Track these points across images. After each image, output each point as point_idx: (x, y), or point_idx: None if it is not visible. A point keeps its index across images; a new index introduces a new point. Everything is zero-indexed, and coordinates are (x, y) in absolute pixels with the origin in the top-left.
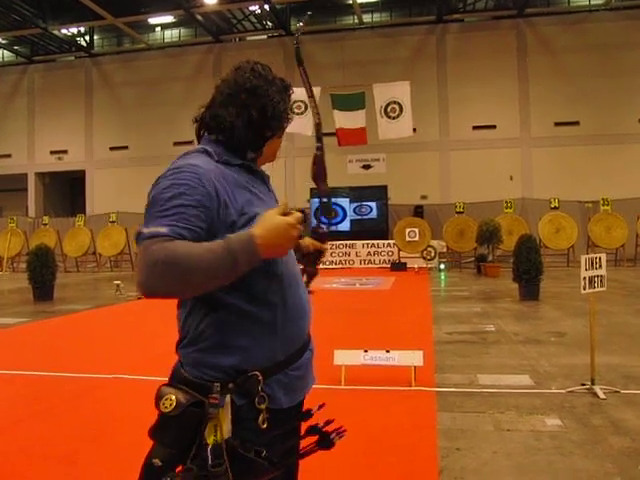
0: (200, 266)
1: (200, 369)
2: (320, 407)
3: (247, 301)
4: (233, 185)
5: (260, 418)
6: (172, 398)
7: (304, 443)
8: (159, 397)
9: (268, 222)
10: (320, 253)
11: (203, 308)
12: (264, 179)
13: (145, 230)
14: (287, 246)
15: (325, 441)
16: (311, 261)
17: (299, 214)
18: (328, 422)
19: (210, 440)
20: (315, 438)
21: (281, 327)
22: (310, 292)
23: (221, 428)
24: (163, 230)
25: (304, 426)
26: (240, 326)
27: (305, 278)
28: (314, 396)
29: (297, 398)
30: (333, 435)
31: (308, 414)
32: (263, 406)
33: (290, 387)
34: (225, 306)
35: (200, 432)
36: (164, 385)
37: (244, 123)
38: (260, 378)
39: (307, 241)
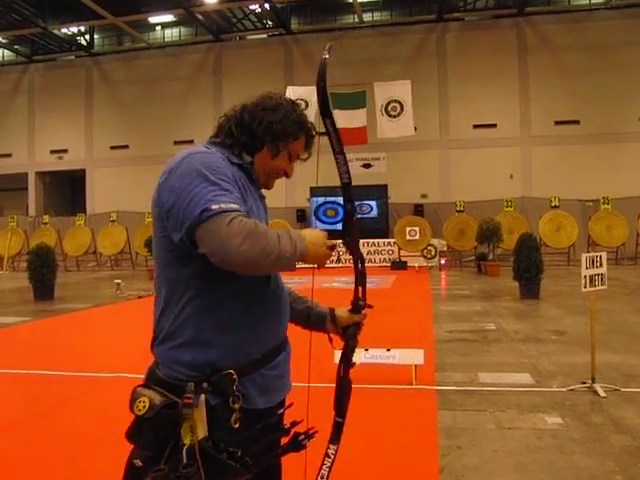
0: (278, 246)
1: (174, 368)
2: (287, 407)
3: (224, 296)
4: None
5: (232, 418)
6: (145, 400)
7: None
8: (133, 399)
9: (310, 232)
10: (358, 325)
11: (179, 303)
12: (257, 189)
13: (215, 206)
14: (321, 257)
15: (295, 443)
16: (351, 334)
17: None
18: (294, 423)
19: (187, 440)
20: (286, 440)
21: (258, 323)
22: (353, 365)
23: (196, 428)
24: (236, 206)
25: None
26: (216, 321)
27: (345, 349)
28: (316, 395)
29: (275, 399)
30: (302, 437)
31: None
32: (237, 406)
33: (266, 387)
34: (201, 301)
35: (176, 433)
36: (139, 386)
37: (235, 121)
38: (235, 377)
39: (346, 314)
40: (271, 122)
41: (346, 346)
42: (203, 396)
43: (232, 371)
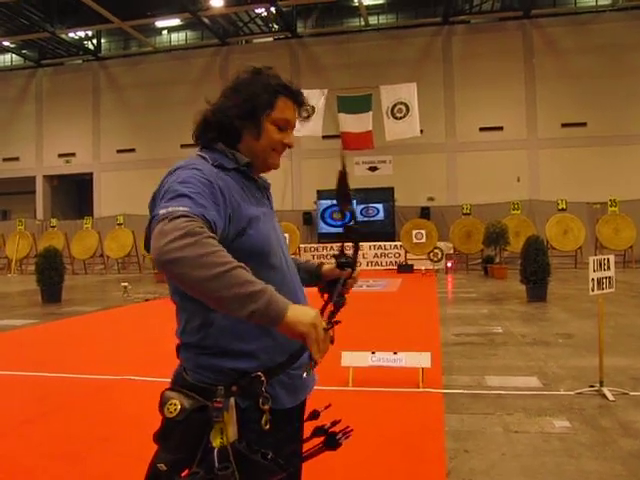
0: (225, 267)
1: (202, 373)
2: (326, 407)
3: None
4: (230, 188)
5: (263, 419)
6: (176, 403)
7: (310, 444)
8: (163, 402)
9: (305, 312)
10: (344, 283)
11: (201, 313)
12: (260, 187)
13: (162, 211)
14: (309, 336)
15: (331, 442)
16: (336, 291)
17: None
18: (335, 422)
19: (216, 443)
20: (321, 439)
21: None
22: (336, 322)
23: (227, 431)
24: (185, 209)
25: (310, 427)
26: (238, 331)
27: (331, 308)
28: (322, 397)
29: (299, 398)
30: (339, 435)
31: (315, 415)
32: (267, 407)
33: (292, 387)
34: (222, 314)
35: (206, 436)
36: (167, 390)
37: (205, 121)
38: (263, 379)
39: (330, 269)
40: (236, 105)
41: (329, 301)
42: (233, 399)
43: (260, 374)
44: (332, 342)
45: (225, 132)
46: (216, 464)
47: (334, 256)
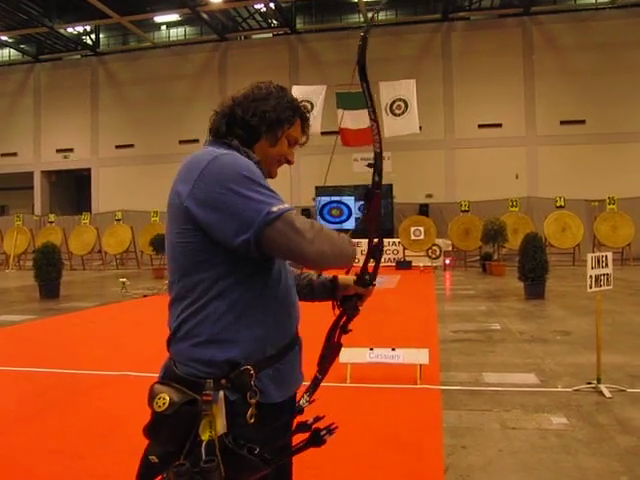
0: (342, 244)
1: (192, 365)
2: (310, 402)
3: (242, 295)
4: None
5: (249, 412)
6: (165, 397)
7: (295, 440)
8: (152, 396)
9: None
10: (360, 297)
11: (197, 303)
12: None
13: (274, 208)
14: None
15: (316, 439)
16: (351, 305)
17: None
18: (318, 418)
19: (205, 436)
20: (306, 435)
21: (273, 319)
22: (349, 331)
23: (215, 424)
24: (289, 206)
25: (294, 423)
26: (234, 320)
27: (345, 319)
28: (320, 394)
29: (288, 393)
30: (324, 432)
31: (298, 410)
32: (253, 401)
33: (281, 381)
34: (221, 301)
35: (195, 429)
36: (157, 383)
37: (228, 117)
38: (252, 372)
39: (348, 283)
40: (264, 111)
41: (343, 314)
42: (222, 392)
43: (249, 367)
44: (341, 345)
45: (247, 132)
46: (203, 457)
47: (358, 274)
